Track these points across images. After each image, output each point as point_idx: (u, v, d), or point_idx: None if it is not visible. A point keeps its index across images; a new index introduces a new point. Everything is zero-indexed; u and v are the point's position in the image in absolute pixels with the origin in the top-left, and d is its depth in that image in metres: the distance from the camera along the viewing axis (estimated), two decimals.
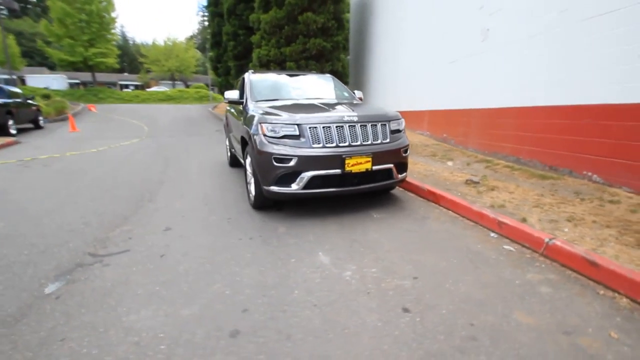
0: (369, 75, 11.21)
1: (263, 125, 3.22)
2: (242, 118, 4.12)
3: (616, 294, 2.00)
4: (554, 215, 3.07)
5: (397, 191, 4.31)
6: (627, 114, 3.38)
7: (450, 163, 5.49)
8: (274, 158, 3.11)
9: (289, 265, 2.43)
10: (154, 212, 3.65)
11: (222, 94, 17.94)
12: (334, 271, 2.33)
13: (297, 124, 3.15)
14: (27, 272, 2.37)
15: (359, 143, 3.24)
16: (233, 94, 4.27)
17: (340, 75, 12.17)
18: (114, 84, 40.03)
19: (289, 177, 3.14)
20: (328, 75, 5.13)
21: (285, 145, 3.13)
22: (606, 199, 3.31)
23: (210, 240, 2.90)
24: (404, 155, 3.55)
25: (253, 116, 3.49)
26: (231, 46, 13.31)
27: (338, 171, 3.14)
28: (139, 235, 3.01)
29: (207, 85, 33.52)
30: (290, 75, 4.98)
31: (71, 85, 35.09)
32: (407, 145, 3.60)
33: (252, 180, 3.58)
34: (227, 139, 5.94)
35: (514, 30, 4.94)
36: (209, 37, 17.60)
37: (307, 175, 3.10)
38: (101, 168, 5.93)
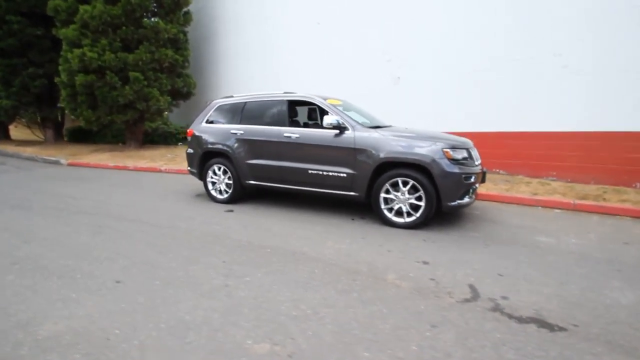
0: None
1: (448, 150, 3.68)
2: (345, 144, 4.07)
3: (619, 216, 4.47)
4: (526, 192, 5.51)
5: None
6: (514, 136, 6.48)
7: None
8: (464, 177, 3.68)
9: (557, 241, 3.33)
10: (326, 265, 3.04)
11: None
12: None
13: (465, 148, 3.87)
14: None
15: None
16: (332, 119, 4.02)
17: (190, 96, 11.02)
18: None
19: (467, 191, 3.81)
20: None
21: (465, 166, 3.77)
22: (524, 181, 6.20)
23: (468, 256, 3.14)
24: None
25: (415, 143, 3.80)
26: None
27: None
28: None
29: None
30: (338, 99, 4.93)
31: None
32: None
33: (404, 204, 3.87)
34: (231, 170, 4.81)
35: (424, 77, 7.37)
36: None
37: (475, 187, 3.91)
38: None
